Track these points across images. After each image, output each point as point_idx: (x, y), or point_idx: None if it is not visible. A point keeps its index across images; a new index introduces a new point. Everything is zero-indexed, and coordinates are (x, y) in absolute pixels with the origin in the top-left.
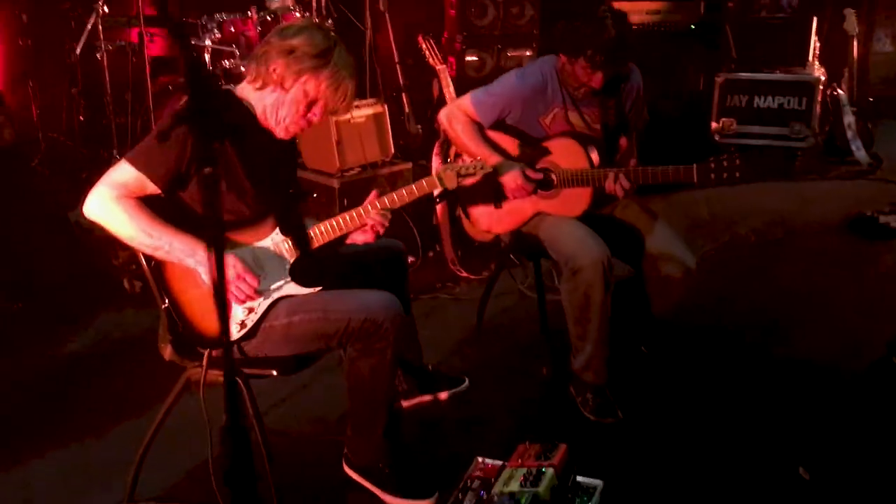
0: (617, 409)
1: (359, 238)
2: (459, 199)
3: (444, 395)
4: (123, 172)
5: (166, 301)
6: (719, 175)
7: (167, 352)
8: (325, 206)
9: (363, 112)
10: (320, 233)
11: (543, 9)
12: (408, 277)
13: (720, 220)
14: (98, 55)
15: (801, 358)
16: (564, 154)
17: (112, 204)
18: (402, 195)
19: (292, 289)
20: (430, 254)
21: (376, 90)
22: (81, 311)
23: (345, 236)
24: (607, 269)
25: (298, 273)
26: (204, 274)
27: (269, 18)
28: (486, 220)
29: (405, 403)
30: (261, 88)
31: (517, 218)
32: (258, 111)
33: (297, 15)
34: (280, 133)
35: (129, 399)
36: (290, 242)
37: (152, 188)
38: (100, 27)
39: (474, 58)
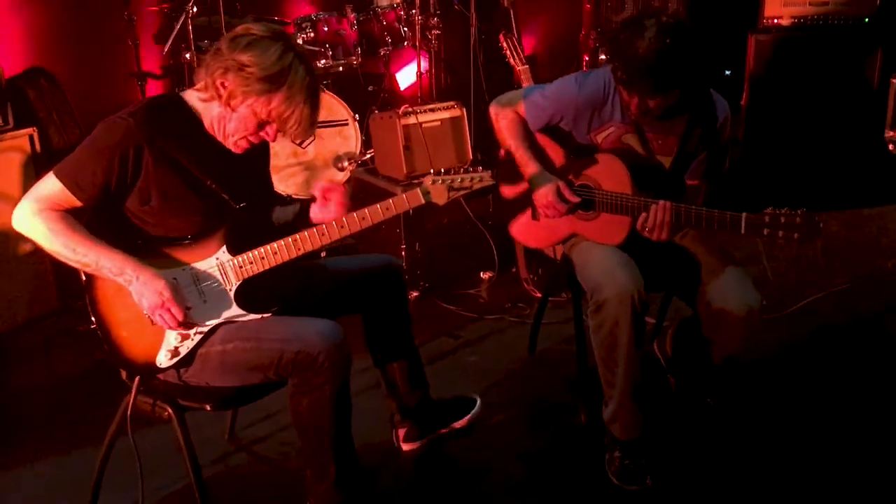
0: (647, 476)
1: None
2: (497, 205)
3: (445, 431)
4: (49, 185)
5: (93, 321)
6: (773, 232)
7: (124, 373)
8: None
9: (437, 116)
10: (273, 251)
11: (690, 2)
12: (407, 297)
13: (862, 249)
14: (188, 55)
15: None
16: (607, 172)
17: (34, 218)
18: (377, 212)
19: (235, 313)
20: (514, 269)
21: (480, 90)
22: None
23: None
24: (636, 304)
25: (246, 296)
26: (134, 293)
27: (369, 16)
28: (519, 233)
29: (406, 447)
30: (208, 100)
31: (551, 236)
32: (206, 122)
33: (402, 14)
34: (231, 147)
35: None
36: (237, 262)
37: (78, 203)
38: (189, 28)
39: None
